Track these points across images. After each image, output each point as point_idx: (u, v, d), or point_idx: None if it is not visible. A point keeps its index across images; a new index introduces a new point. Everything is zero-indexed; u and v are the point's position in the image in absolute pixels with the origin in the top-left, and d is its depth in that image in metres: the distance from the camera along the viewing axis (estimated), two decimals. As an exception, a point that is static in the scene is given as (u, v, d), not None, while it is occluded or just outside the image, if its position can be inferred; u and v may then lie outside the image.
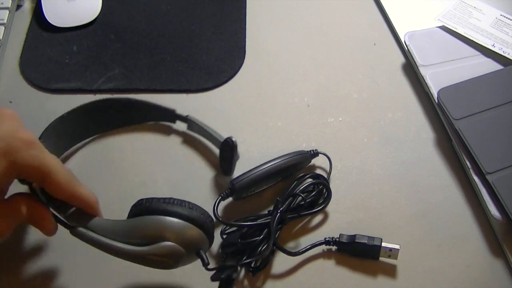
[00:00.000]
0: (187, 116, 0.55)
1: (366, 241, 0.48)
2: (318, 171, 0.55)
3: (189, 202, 0.43)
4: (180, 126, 0.57)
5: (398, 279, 0.49)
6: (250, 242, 0.47)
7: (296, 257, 0.49)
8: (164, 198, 0.43)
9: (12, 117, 0.40)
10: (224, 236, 0.49)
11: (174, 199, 0.43)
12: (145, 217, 0.41)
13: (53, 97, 0.60)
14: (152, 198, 0.43)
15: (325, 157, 0.55)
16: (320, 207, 0.51)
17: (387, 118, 0.59)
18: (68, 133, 0.54)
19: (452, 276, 0.49)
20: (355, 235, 0.49)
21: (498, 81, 0.58)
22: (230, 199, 0.51)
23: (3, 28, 0.62)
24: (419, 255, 0.51)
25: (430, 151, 0.57)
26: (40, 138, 0.49)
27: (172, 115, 0.56)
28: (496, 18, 0.65)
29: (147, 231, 0.41)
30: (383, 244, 0.48)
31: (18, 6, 0.67)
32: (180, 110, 0.56)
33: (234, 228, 0.49)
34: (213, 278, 0.45)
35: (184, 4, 0.67)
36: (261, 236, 0.47)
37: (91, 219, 0.42)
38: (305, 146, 0.56)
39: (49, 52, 0.63)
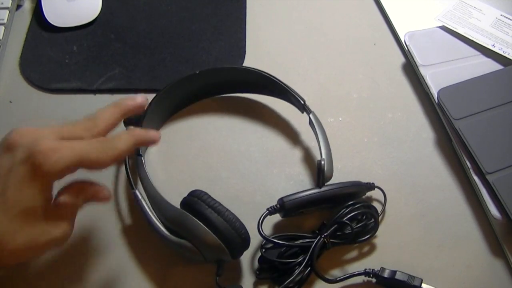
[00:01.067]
0: (310, 113, 0.54)
1: (406, 280, 0.48)
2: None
3: (229, 213, 0.46)
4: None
5: None
6: (288, 263, 0.47)
7: (334, 284, 0.48)
8: (211, 201, 0.46)
9: (24, 134, 0.40)
10: (263, 251, 0.48)
11: (219, 205, 0.46)
12: (185, 214, 0.46)
13: (53, 97, 0.60)
14: (202, 196, 0.46)
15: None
16: (365, 238, 0.50)
17: (387, 118, 0.59)
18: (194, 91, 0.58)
19: (452, 276, 0.49)
20: (395, 271, 0.48)
21: (498, 81, 0.58)
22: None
23: (3, 28, 0.62)
24: (419, 255, 0.51)
25: (430, 151, 0.57)
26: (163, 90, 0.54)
27: (300, 105, 0.55)
28: (496, 18, 0.65)
29: (180, 227, 0.46)
30: (423, 286, 0.47)
31: (18, 6, 0.67)
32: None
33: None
34: None
35: (184, 4, 0.67)
36: (299, 259, 0.47)
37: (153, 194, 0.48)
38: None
39: (49, 52, 0.63)
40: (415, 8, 0.67)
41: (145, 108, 0.47)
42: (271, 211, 0.49)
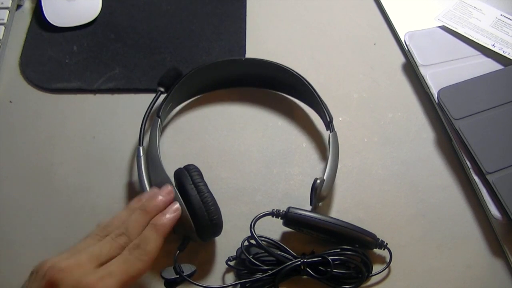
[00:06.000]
0: (332, 131, 0.53)
1: None
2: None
3: (209, 196, 0.47)
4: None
5: (398, 279, 0.49)
6: (257, 265, 0.47)
7: None
8: (197, 179, 0.47)
9: (64, 269, 0.39)
10: (246, 244, 0.48)
11: (203, 185, 0.47)
12: (169, 182, 0.47)
13: (53, 97, 0.60)
14: (191, 172, 0.48)
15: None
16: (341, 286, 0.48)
17: (387, 118, 0.59)
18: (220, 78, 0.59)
19: (452, 276, 0.49)
20: None
21: (498, 81, 0.58)
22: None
23: (3, 28, 0.62)
24: (419, 255, 0.51)
25: (430, 151, 0.57)
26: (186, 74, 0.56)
27: (326, 121, 0.55)
28: (496, 18, 0.65)
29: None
30: None
31: (18, 6, 0.67)
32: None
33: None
34: (163, 274, 0.46)
35: (184, 4, 0.67)
36: (267, 268, 0.46)
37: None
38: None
39: (49, 52, 0.63)
40: (415, 8, 0.67)
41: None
42: (275, 213, 0.49)
